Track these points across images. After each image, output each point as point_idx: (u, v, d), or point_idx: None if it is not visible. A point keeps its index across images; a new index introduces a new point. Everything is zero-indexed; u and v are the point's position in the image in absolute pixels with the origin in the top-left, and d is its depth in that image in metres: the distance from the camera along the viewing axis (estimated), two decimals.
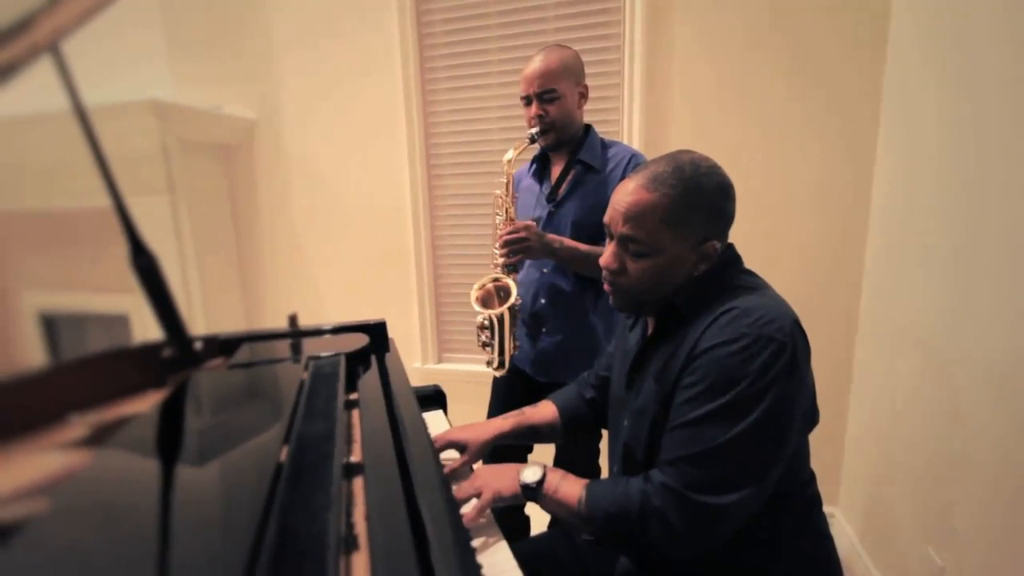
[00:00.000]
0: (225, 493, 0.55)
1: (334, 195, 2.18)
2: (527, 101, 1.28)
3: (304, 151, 2.18)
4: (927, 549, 1.21)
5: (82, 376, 1.03)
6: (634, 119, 1.76)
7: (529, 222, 1.24)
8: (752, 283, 0.77)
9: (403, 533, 0.51)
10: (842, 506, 1.78)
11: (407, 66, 1.95)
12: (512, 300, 1.27)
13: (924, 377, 1.27)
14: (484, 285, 1.32)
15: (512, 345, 1.33)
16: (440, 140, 2.02)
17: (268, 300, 2.35)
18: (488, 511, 0.81)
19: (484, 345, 1.35)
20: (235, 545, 0.43)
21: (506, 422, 1.03)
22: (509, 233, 1.22)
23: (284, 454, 0.63)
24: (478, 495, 0.79)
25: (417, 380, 1.34)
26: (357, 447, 0.78)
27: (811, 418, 0.77)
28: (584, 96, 1.31)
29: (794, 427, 0.70)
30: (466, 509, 0.80)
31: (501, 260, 1.28)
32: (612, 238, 0.79)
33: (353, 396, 0.97)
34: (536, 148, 1.39)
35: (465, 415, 1.73)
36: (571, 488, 0.76)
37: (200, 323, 2.11)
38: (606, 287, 0.82)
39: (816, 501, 0.81)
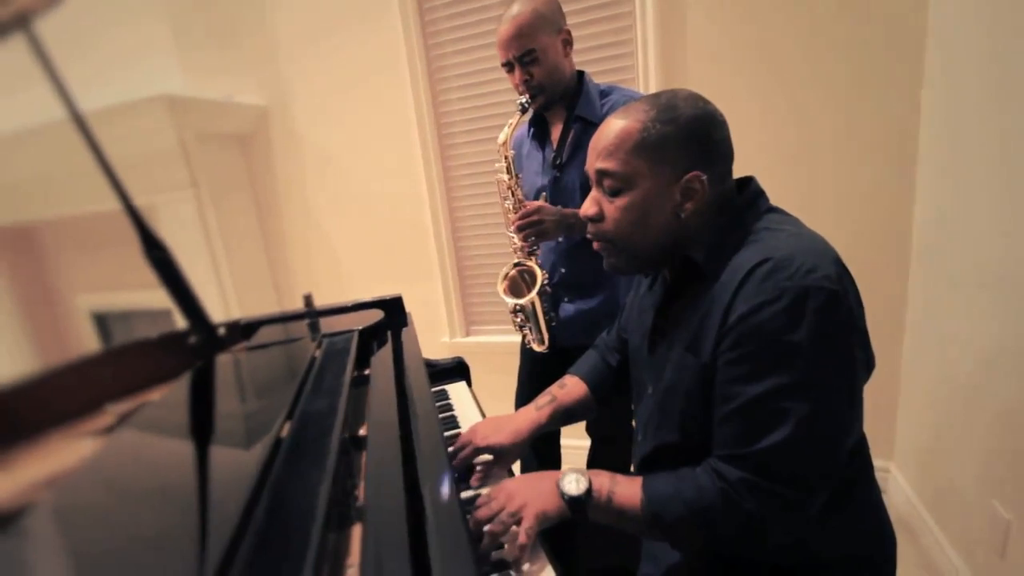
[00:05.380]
0: (223, 469, 0.55)
1: (349, 174, 2.17)
2: (508, 67, 1.18)
3: (317, 134, 2.17)
4: (992, 502, 1.12)
5: (114, 367, 1.06)
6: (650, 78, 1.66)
7: (540, 203, 1.19)
8: (779, 222, 0.68)
9: (398, 506, 0.49)
10: (897, 460, 1.68)
11: (410, 35, 1.89)
12: (539, 284, 1.25)
13: (985, 312, 1.15)
14: (508, 274, 1.29)
15: (549, 321, 1.31)
16: (450, 107, 1.96)
17: (297, 283, 2.39)
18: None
19: (521, 327, 1.34)
20: (225, 518, 0.43)
21: (541, 413, 0.91)
22: (521, 218, 1.17)
23: (287, 429, 0.63)
24: (517, 520, 0.65)
25: (445, 354, 1.33)
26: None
27: (869, 365, 0.67)
28: (568, 43, 1.19)
29: (860, 381, 0.63)
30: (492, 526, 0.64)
31: (519, 245, 1.25)
32: (593, 185, 0.73)
33: (368, 372, 0.97)
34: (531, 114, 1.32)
35: (495, 385, 1.73)
36: (627, 492, 0.66)
37: (235, 310, 2.17)
38: (595, 245, 0.76)
39: (869, 463, 0.74)
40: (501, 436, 0.85)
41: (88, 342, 2.80)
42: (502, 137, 1.23)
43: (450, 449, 0.84)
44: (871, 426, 0.71)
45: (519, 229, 1.19)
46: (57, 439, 0.84)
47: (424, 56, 1.92)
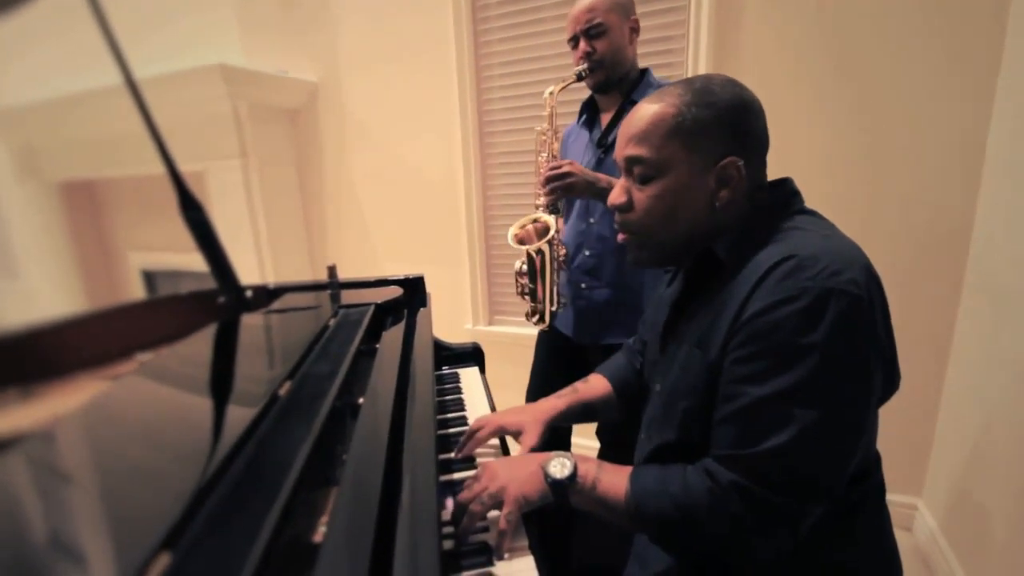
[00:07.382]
0: (216, 419, 0.57)
1: (390, 156, 2.21)
2: (574, 43, 1.22)
3: (362, 113, 2.22)
4: (1023, 555, 1.04)
5: (146, 318, 1.12)
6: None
7: (572, 161, 1.19)
8: (811, 224, 0.64)
9: (375, 471, 0.50)
10: (926, 498, 1.58)
11: (459, 25, 1.91)
12: (551, 235, 1.22)
13: None
14: (524, 225, 1.27)
15: (554, 298, 1.27)
16: (492, 95, 1.96)
17: (331, 256, 2.46)
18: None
19: (523, 293, 1.30)
20: (206, 463, 0.44)
21: (560, 401, 0.91)
22: (551, 169, 1.17)
23: (285, 389, 0.64)
24: (497, 503, 0.64)
25: (466, 340, 1.33)
26: None
27: (889, 384, 0.62)
28: (635, 31, 1.22)
29: (875, 397, 0.59)
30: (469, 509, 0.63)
31: (543, 199, 1.24)
32: (622, 174, 0.71)
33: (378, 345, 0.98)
34: (581, 95, 1.31)
35: (509, 376, 1.73)
36: (613, 481, 0.64)
37: (271, 275, 2.25)
38: (620, 237, 0.73)
39: (879, 489, 0.69)
40: (523, 416, 0.85)
41: (135, 296, 2.96)
42: (550, 88, 1.26)
43: (466, 429, 0.86)
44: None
45: (547, 180, 1.18)
46: (86, 380, 0.90)
47: (471, 46, 1.93)
